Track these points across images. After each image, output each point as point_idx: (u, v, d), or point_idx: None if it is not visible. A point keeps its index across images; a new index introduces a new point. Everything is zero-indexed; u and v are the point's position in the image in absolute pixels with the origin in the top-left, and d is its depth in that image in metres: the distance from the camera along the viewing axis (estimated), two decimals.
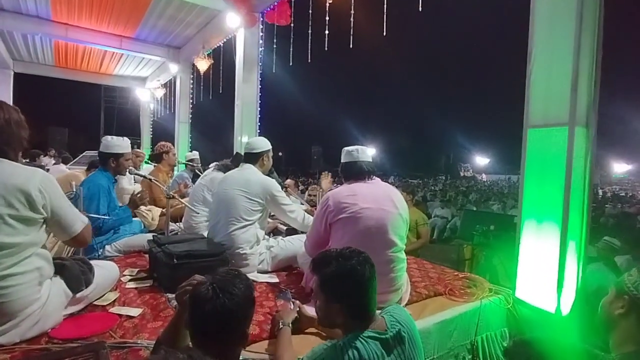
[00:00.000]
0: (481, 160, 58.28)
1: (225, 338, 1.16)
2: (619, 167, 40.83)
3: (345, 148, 2.31)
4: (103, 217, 2.79)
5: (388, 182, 2.58)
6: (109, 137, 3.06)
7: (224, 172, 3.46)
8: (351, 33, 4.39)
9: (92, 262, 2.01)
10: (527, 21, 2.41)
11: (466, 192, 18.69)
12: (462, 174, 54.52)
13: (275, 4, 5.21)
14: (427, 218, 5.00)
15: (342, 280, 1.35)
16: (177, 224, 3.74)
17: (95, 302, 1.97)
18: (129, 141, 3.14)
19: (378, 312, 1.47)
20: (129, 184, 4.10)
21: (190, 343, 1.20)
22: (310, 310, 1.79)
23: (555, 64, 2.26)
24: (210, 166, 3.99)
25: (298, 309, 1.86)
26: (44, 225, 1.65)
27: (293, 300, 1.95)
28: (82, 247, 1.93)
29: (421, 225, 4.80)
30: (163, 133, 10.17)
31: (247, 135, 5.63)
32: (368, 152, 2.30)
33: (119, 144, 3.03)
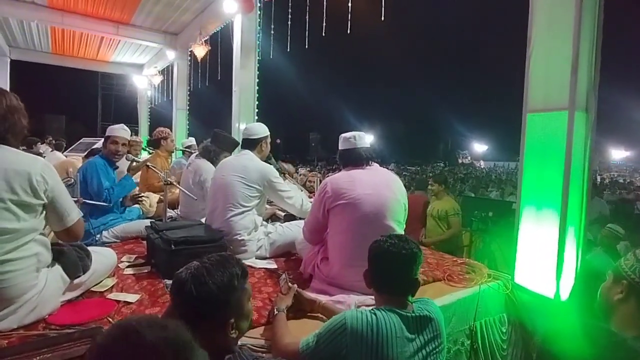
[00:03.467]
0: (479, 147, 58.05)
1: (206, 324, 1.12)
2: (618, 154, 40.80)
3: (343, 135, 2.28)
4: (99, 203, 2.79)
5: (388, 169, 2.56)
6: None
7: (207, 157, 3.46)
8: (349, 18, 4.33)
9: (90, 248, 2.02)
10: (528, 5, 2.38)
11: (464, 178, 18.66)
12: (460, 160, 54.42)
13: None
14: (459, 208, 4.77)
15: (374, 254, 1.51)
16: (175, 210, 3.73)
17: (92, 289, 1.97)
18: (124, 126, 3.14)
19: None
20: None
21: None
22: (310, 294, 1.89)
23: (555, 48, 2.23)
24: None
25: (295, 293, 1.87)
26: (44, 212, 1.67)
27: (290, 284, 1.93)
28: (74, 240, 1.91)
29: (452, 215, 4.61)
30: (161, 120, 10.11)
31: (245, 121, 5.59)
32: (366, 138, 2.26)
33: (112, 127, 3.12)
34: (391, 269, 1.46)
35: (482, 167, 45.08)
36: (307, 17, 4.72)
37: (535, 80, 2.35)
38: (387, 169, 2.61)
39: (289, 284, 1.92)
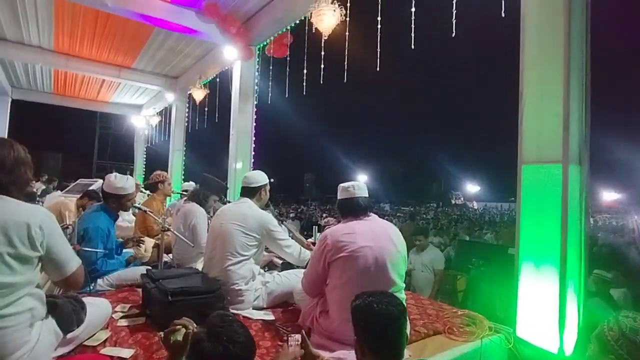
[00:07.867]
0: (472, 187, 58.30)
1: None
2: (609, 196, 41.16)
3: (341, 185, 2.29)
4: (97, 250, 2.74)
5: (382, 211, 2.56)
6: (112, 177, 2.93)
7: (196, 201, 3.47)
8: (345, 68, 4.47)
9: (84, 299, 1.96)
10: (519, 55, 2.47)
11: (458, 219, 18.69)
12: (453, 201, 54.57)
13: (272, 38, 5.33)
14: None
15: (360, 314, 1.44)
16: (169, 255, 3.68)
17: (85, 343, 1.91)
18: (133, 181, 3.05)
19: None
20: (127, 215, 4.06)
21: None
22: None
23: (546, 105, 2.31)
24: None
25: (300, 343, 1.80)
26: (39, 264, 1.62)
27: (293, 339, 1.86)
28: (75, 289, 1.88)
29: None
30: (157, 159, 10.16)
31: (242, 162, 5.67)
32: (364, 188, 2.27)
33: (122, 185, 2.91)
34: (392, 328, 1.40)
35: (475, 207, 45.18)
36: (305, 65, 4.87)
37: (528, 134, 2.41)
38: (381, 208, 2.61)
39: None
